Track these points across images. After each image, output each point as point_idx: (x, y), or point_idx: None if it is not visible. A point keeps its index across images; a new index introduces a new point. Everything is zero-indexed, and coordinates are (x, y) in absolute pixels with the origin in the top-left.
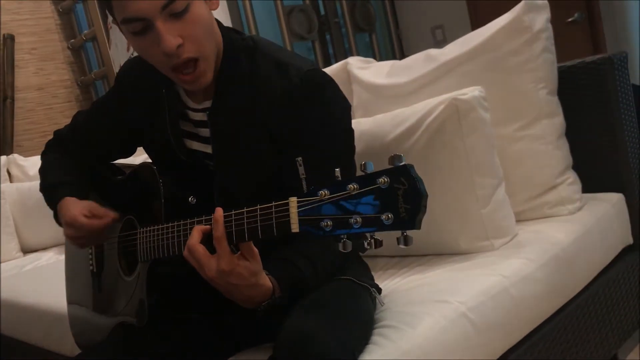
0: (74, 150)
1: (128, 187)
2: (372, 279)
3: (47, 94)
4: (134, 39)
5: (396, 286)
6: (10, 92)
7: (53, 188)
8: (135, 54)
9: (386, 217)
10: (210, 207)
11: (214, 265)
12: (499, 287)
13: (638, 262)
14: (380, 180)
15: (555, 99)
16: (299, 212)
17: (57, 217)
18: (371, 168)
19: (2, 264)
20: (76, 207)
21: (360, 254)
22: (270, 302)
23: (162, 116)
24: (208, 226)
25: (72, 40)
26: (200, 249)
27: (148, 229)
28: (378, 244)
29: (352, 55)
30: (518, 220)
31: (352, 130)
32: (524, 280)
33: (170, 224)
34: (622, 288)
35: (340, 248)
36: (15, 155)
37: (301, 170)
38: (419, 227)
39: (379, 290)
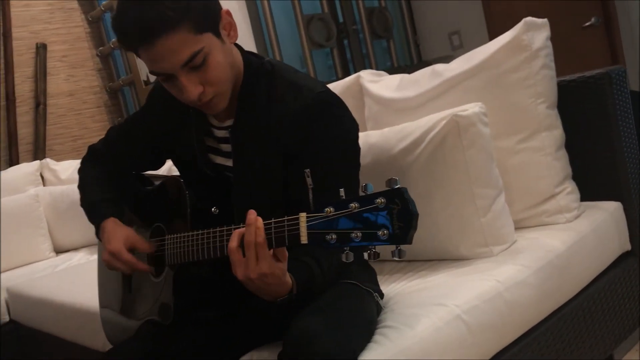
0: (108, 164)
1: (157, 197)
2: (376, 284)
3: (77, 99)
4: (161, 81)
5: (401, 289)
6: (43, 98)
7: (94, 205)
8: None
9: (382, 233)
10: (230, 217)
11: (256, 267)
12: (494, 292)
13: (635, 267)
14: (378, 200)
15: (554, 113)
16: (307, 226)
17: (97, 232)
18: (371, 189)
19: (36, 264)
20: (120, 238)
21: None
22: (287, 298)
23: (190, 133)
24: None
25: (101, 48)
26: (240, 252)
27: (175, 236)
28: (376, 256)
29: (369, 61)
30: (518, 228)
31: (358, 148)
32: (518, 285)
33: (196, 232)
34: (620, 292)
35: (343, 259)
36: (48, 160)
37: (309, 181)
38: (410, 242)
39: (382, 295)
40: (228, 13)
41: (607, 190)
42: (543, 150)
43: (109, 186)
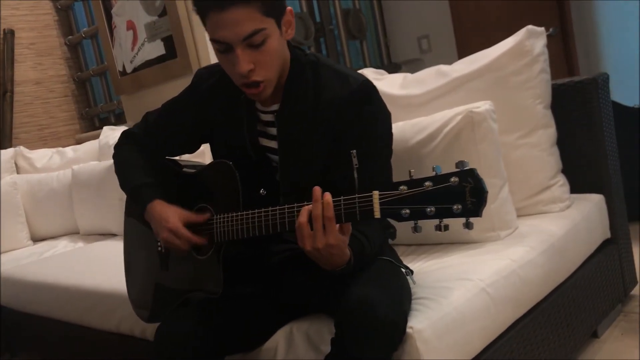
0: (146, 148)
1: (203, 180)
2: (402, 262)
3: (44, 88)
4: (217, 54)
5: (419, 269)
6: (10, 85)
7: (139, 189)
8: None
9: (456, 207)
10: (275, 198)
11: (323, 239)
12: (509, 269)
13: (614, 253)
14: (452, 179)
15: (549, 113)
16: (380, 202)
17: (137, 210)
18: (440, 170)
19: (15, 252)
20: (174, 215)
21: (391, 240)
22: (345, 268)
23: (239, 117)
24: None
25: (70, 37)
26: (309, 226)
27: (227, 215)
28: (446, 228)
29: (344, 60)
30: (517, 216)
31: (392, 134)
32: (529, 264)
33: (251, 211)
34: (602, 275)
35: (412, 231)
36: (22, 148)
37: (355, 161)
38: (481, 216)
39: (412, 272)
40: (291, 12)
41: (591, 184)
42: (539, 146)
43: (150, 169)
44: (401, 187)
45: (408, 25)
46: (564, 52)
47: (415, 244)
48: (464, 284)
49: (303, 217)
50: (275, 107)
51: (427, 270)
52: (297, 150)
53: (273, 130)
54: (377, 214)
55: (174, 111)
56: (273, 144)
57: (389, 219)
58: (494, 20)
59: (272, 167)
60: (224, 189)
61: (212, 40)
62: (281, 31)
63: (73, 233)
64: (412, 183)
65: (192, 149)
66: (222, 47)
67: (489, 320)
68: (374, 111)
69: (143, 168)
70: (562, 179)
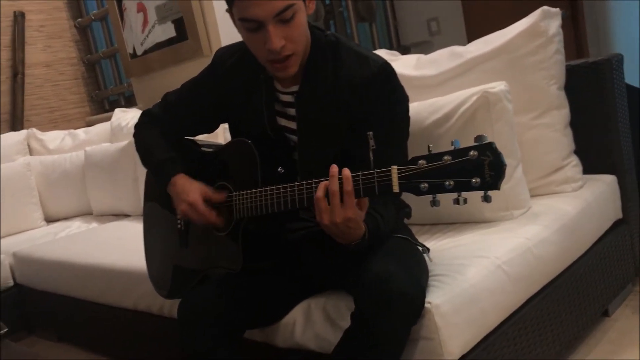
0: (166, 127)
1: (223, 158)
2: (417, 240)
3: (55, 70)
4: (246, 34)
5: (435, 247)
6: (21, 68)
7: (162, 164)
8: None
9: (475, 181)
10: (293, 176)
11: (342, 213)
12: (524, 247)
13: (626, 234)
14: (471, 153)
15: (563, 93)
16: (399, 176)
17: (159, 185)
18: (458, 144)
19: (30, 232)
20: (195, 190)
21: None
22: (360, 243)
23: (258, 96)
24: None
25: (79, 20)
26: (326, 201)
27: (247, 192)
28: (465, 201)
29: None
30: (530, 196)
31: (409, 117)
32: (543, 242)
33: (270, 188)
34: (613, 254)
35: (431, 205)
36: (34, 130)
37: (371, 142)
38: (499, 189)
39: (428, 249)
40: None
41: (603, 165)
42: (553, 127)
43: (172, 146)
44: (420, 162)
45: (417, 8)
46: (574, 35)
47: (429, 223)
48: (480, 261)
49: (320, 192)
50: (294, 88)
51: (443, 249)
52: (315, 131)
53: (292, 111)
54: (396, 188)
55: (194, 91)
56: (291, 124)
57: (405, 198)
58: (503, 2)
59: (289, 147)
60: (244, 167)
61: (242, 19)
62: (306, 5)
63: (86, 214)
64: (431, 157)
65: (211, 128)
66: (254, 25)
67: (504, 297)
68: (392, 94)
69: (165, 145)
70: (575, 160)
